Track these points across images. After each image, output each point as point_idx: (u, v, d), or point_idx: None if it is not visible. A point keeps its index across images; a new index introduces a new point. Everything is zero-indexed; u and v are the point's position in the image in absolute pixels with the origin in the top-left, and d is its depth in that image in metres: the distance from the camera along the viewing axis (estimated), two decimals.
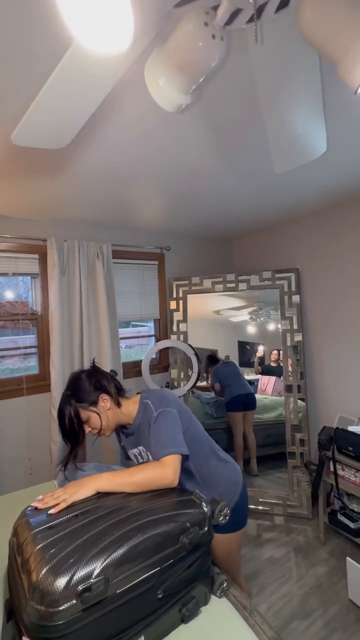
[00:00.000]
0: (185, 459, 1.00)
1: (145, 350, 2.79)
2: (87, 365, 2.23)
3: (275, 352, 2.64)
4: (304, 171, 1.65)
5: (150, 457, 1.07)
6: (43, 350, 2.29)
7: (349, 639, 1.49)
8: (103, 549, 0.64)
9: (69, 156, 1.37)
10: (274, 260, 2.75)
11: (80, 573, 0.60)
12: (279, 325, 2.53)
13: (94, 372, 1.14)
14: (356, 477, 1.90)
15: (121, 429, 1.21)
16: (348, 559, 1.64)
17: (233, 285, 2.63)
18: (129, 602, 0.66)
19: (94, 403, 1.06)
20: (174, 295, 2.73)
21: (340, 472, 1.97)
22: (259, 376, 2.77)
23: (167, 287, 2.80)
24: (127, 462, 1.27)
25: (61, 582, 0.58)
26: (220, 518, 0.85)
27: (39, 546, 0.65)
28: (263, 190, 1.91)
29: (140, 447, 1.12)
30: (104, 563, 0.63)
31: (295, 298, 2.50)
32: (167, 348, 2.72)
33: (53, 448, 2.16)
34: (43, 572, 0.59)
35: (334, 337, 2.36)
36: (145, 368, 2.54)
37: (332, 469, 1.99)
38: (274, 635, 1.12)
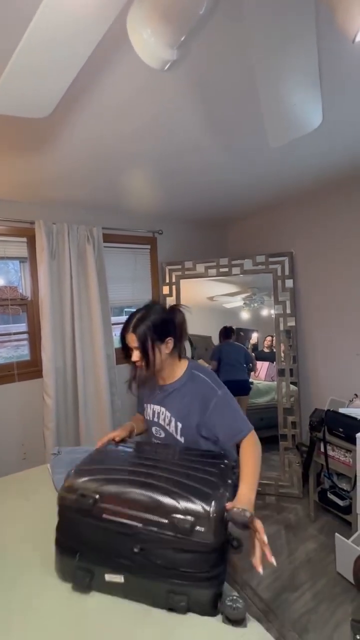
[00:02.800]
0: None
1: None
2: (79, 352, 2.22)
3: (269, 338, 2.64)
4: (296, 151, 1.60)
5: (174, 423, 1.07)
6: (34, 336, 2.26)
7: (335, 609, 1.55)
8: (107, 481, 0.84)
9: (53, 131, 1.31)
10: (268, 245, 2.72)
11: (85, 485, 0.84)
12: (272, 311, 2.53)
13: (182, 319, 1.11)
14: (346, 457, 1.94)
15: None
16: (337, 534, 1.69)
17: (226, 270, 2.61)
18: (111, 533, 0.80)
19: (161, 340, 1.03)
20: (167, 280, 2.69)
21: (330, 453, 2.01)
22: None
23: (159, 271, 2.76)
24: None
25: (70, 481, 0.87)
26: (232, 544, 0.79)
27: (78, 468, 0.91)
28: (255, 171, 1.86)
29: (164, 409, 1.10)
30: (100, 489, 0.83)
31: (289, 282, 2.49)
32: None
33: (46, 433, 2.15)
34: (72, 473, 0.89)
35: (326, 321, 2.36)
36: None
37: (322, 449, 2.03)
38: (264, 607, 1.15)
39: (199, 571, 0.76)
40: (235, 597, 0.78)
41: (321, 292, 2.38)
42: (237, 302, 2.82)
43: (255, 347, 2.77)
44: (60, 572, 0.86)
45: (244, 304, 2.81)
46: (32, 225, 2.11)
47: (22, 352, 2.34)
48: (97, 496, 0.81)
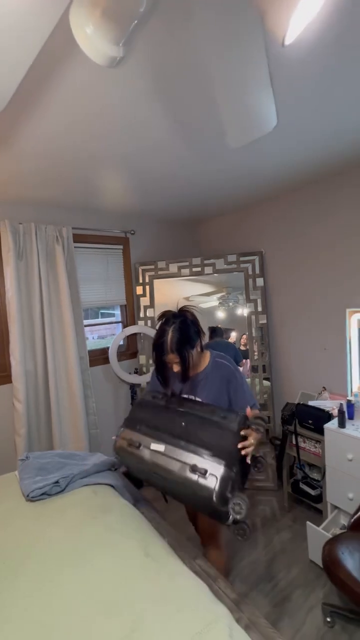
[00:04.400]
0: None
1: None
2: (50, 355, 2.16)
3: (244, 336, 2.69)
4: (260, 154, 1.65)
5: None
6: (2, 340, 2.18)
7: (308, 595, 1.60)
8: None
9: (13, 128, 1.28)
10: (239, 244, 2.78)
11: (152, 389, 1.29)
12: (245, 309, 2.58)
13: (195, 318, 1.26)
14: (316, 447, 2.02)
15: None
16: (308, 522, 1.75)
17: (199, 269, 2.64)
18: (169, 411, 1.18)
19: (193, 346, 1.20)
20: (140, 281, 2.69)
21: (301, 445, 2.08)
22: None
23: (132, 272, 2.75)
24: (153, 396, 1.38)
25: (144, 393, 1.27)
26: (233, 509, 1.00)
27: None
28: (223, 172, 1.90)
29: (193, 397, 1.28)
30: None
31: (260, 281, 2.55)
32: (135, 334, 2.69)
33: (17, 440, 2.08)
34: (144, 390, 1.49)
35: (295, 317, 2.45)
36: (112, 355, 2.50)
37: (294, 442, 2.09)
38: (235, 597, 1.17)
39: (222, 450, 1.02)
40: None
41: (290, 289, 2.46)
42: (213, 301, 2.86)
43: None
44: (120, 438, 1.22)
45: (219, 303, 2.85)
46: None
47: None
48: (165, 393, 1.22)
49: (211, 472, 0.98)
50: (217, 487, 0.96)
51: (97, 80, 1.03)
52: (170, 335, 1.17)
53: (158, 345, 1.19)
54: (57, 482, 1.28)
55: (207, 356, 1.31)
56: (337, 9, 0.78)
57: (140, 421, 1.21)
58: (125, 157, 1.63)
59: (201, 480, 0.98)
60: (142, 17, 0.49)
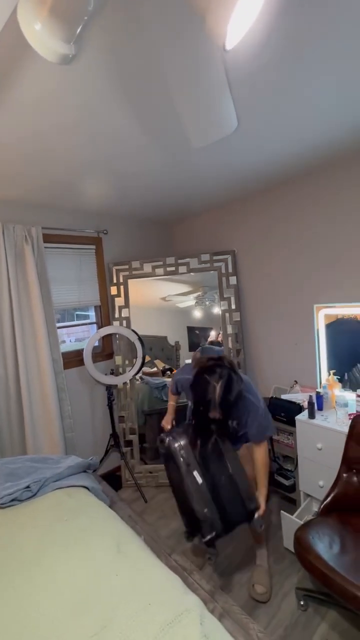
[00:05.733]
0: None
1: None
2: (21, 359, 2.09)
3: (220, 334, 2.73)
4: (226, 156, 1.69)
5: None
6: None
7: (284, 582, 1.66)
8: None
9: None
10: (212, 244, 2.82)
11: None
12: (219, 306, 2.62)
13: (234, 367, 1.28)
14: (289, 439, 2.09)
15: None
16: (282, 512, 1.80)
17: (173, 269, 2.65)
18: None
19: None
20: (114, 281, 2.67)
21: (275, 437, 2.15)
22: None
23: (106, 272, 2.73)
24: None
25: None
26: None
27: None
28: (193, 173, 1.93)
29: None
30: None
31: (233, 279, 2.60)
32: (110, 335, 2.67)
33: None
34: None
35: (267, 314, 2.52)
36: (87, 356, 2.46)
37: None
38: (210, 589, 1.19)
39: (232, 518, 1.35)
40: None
41: (261, 287, 2.53)
42: (190, 301, 2.88)
43: (212, 343, 2.84)
44: (176, 442, 1.38)
45: (195, 303, 2.88)
46: None
47: None
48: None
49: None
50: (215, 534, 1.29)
51: (63, 79, 1.02)
52: (218, 392, 1.19)
53: (205, 402, 1.21)
54: (28, 487, 1.25)
55: None
56: (279, 11, 0.82)
57: (195, 446, 1.36)
58: (97, 158, 1.61)
59: (209, 522, 1.28)
60: (92, 15, 0.50)
